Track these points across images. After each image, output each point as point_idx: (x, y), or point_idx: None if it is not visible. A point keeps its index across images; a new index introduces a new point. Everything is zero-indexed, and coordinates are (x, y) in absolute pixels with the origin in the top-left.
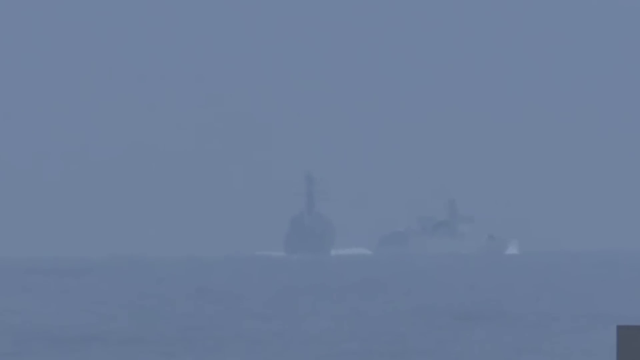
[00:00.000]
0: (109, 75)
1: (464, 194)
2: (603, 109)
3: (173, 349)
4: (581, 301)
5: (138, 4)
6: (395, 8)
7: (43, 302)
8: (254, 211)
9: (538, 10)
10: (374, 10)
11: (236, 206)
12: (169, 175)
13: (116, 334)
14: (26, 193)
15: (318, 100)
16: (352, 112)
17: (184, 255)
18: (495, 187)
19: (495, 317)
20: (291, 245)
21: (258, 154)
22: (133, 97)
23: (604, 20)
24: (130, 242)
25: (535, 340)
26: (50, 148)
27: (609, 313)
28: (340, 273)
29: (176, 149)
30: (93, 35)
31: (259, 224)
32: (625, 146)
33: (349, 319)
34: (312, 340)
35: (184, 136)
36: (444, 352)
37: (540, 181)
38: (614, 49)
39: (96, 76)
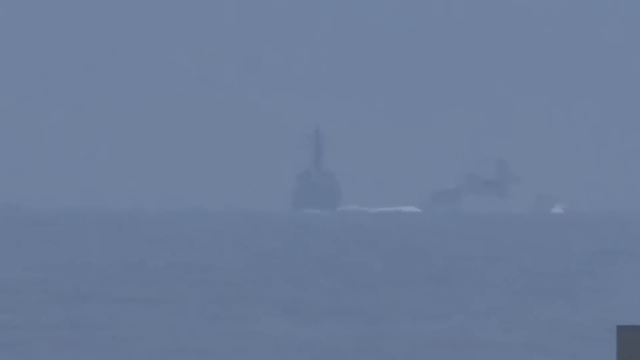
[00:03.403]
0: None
1: (512, 154)
2: None
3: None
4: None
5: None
6: None
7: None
8: (259, 167)
9: None
10: None
11: (243, 162)
12: (174, 129)
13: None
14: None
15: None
16: (390, 70)
17: (190, 209)
18: (543, 148)
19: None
20: (299, 201)
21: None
22: (146, 49)
23: None
24: (135, 195)
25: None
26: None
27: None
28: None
29: (183, 103)
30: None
31: (263, 179)
32: None
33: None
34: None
35: (191, 89)
36: None
37: (587, 142)
38: None
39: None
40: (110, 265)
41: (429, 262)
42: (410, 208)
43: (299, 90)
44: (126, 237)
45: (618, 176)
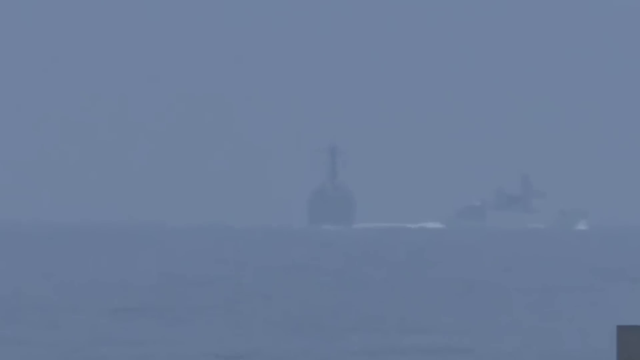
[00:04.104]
0: (122, 48)
1: (537, 169)
2: None
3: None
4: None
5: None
6: None
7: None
8: (276, 182)
9: None
10: None
11: (258, 177)
12: (191, 145)
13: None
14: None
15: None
16: (412, 84)
17: (206, 224)
18: (568, 162)
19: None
20: (315, 216)
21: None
22: (158, 65)
23: None
24: (154, 210)
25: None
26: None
27: None
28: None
29: (199, 118)
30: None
31: (280, 194)
32: None
33: None
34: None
35: (206, 105)
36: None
37: (613, 157)
38: None
39: (107, 47)
40: (122, 279)
41: (445, 277)
42: (434, 224)
43: (316, 102)
44: (142, 251)
45: None
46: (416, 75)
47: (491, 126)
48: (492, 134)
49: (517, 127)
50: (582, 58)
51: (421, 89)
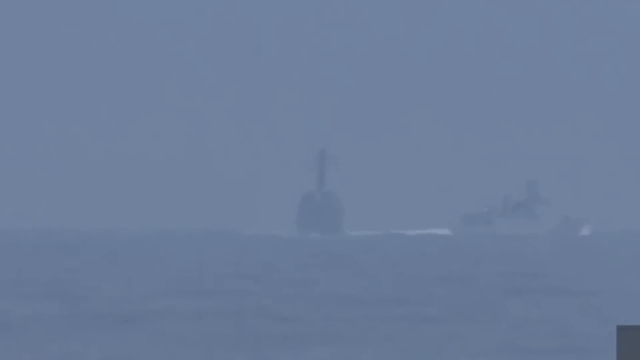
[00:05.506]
0: (119, 55)
1: (542, 176)
2: None
3: None
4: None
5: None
6: None
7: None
8: (266, 189)
9: None
10: None
11: (247, 184)
12: (177, 150)
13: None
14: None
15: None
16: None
17: (195, 230)
18: (572, 169)
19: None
20: (302, 224)
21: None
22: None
23: None
24: (141, 217)
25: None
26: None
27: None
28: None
29: (187, 124)
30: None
31: (267, 202)
32: None
33: None
34: None
35: (194, 109)
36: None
37: (616, 163)
38: None
39: (106, 61)
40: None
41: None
42: (442, 230)
43: (314, 104)
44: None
45: None
46: (420, 79)
47: (497, 133)
48: (498, 141)
49: (523, 135)
50: (586, 66)
51: (426, 94)
